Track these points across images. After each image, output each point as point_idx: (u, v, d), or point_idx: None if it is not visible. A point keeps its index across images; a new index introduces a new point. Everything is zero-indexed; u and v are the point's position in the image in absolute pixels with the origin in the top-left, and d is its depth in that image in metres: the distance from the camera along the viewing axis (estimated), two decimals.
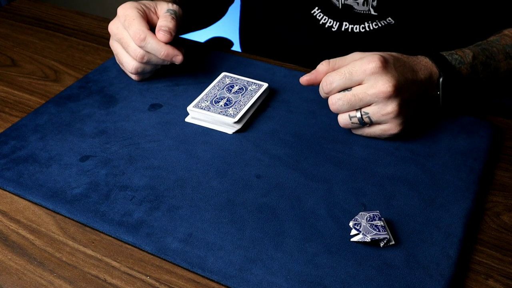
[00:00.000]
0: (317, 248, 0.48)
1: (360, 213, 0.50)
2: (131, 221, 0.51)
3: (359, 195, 0.54)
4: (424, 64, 0.59)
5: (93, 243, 0.50)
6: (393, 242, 0.48)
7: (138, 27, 0.63)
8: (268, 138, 0.61)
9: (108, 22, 0.89)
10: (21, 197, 0.55)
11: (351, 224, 0.49)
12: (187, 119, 0.64)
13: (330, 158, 0.58)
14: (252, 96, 0.64)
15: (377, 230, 0.48)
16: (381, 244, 0.48)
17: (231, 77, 0.67)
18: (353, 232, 0.49)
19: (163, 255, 0.48)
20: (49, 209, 0.53)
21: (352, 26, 0.74)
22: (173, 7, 0.67)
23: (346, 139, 0.61)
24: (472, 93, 0.64)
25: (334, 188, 0.54)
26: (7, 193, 0.56)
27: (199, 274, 0.47)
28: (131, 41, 0.64)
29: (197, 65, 0.74)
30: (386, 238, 0.48)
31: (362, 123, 0.57)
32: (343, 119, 0.58)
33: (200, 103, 0.63)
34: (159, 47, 0.63)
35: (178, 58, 0.64)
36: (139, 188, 0.55)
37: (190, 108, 0.63)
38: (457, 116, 0.64)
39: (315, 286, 0.45)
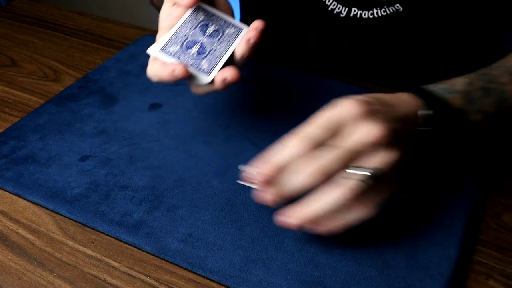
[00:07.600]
0: (317, 248, 0.48)
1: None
2: (131, 221, 0.51)
3: None
4: (402, 98, 0.47)
5: (93, 243, 0.50)
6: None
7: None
8: (268, 137, 0.61)
9: (108, 22, 0.90)
10: (21, 197, 0.55)
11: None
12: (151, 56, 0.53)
13: None
14: (230, 45, 0.52)
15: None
16: None
17: (206, 11, 0.54)
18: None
19: (163, 255, 0.48)
20: (49, 209, 0.53)
21: (361, 12, 0.74)
22: None
23: None
24: (478, 127, 0.52)
25: None
26: (7, 193, 0.56)
27: (199, 274, 0.47)
28: None
29: None
30: None
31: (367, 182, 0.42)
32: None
33: (168, 46, 0.51)
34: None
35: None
36: (139, 188, 0.55)
37: (154, 52, 0.51)
38: None
39: (315, 286, 0.45)
